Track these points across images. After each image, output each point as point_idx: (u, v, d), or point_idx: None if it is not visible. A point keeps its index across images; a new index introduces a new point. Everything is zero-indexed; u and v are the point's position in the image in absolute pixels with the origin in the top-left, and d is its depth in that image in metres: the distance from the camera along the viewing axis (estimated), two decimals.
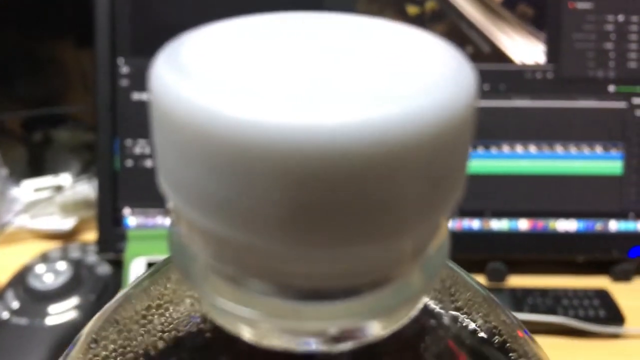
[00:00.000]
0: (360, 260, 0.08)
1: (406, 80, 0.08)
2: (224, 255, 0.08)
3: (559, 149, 0.50)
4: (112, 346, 0.12)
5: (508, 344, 0.13)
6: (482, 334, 0.13)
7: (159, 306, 0.11)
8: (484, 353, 0.12)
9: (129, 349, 0.11)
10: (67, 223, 0.55)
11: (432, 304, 0.11)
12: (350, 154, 0.07)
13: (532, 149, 0.50)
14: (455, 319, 0.12)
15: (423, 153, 0.08)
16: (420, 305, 0.10)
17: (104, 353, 0.12)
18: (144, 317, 0.12)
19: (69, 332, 0.46)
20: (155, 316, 0.11)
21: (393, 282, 0.09)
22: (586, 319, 0.45)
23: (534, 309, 0.46)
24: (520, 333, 0.14)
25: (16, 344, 0.44)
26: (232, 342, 0.09)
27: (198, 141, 0.07)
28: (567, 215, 0.50)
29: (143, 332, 0.11)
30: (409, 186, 0.08)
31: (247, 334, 0.09)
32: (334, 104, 0.07)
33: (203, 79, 0.08)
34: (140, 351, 0.11)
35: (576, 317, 0.45)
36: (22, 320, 0.46)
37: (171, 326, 0.11)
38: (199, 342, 0.10)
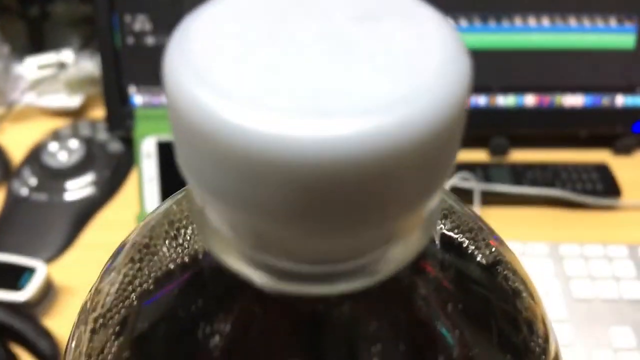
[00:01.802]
0: (359, 241, 0.09)
1: (400, 80, 0.08)
2: (237, 232, 0.09)
3: (572, 21, 0.49)
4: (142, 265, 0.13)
5: (478, 251, 0.13)
6: (452, 241, 0.13)
7: (180, 227, 0.12)
8: (452, 260, 0.13)
9: (155, 268, 0.12)
10: (74, 100, 0.55)
11: None
12: (344, 165, 0.07)
13: (545, 21, 0.49)
14: None
15: (413, 157, 0.08)
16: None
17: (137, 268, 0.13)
18: (170, 238, 0.12)
19: (88, 207, 0.48)
20: (180, 236, 0.12)
21: (394, 243, 0.09)
22: (583, 191, 0.47)
23: (533, 183, 0.48)
24: (492, 242, 0.14)
25: (38, 219, 0.47)
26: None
27: (211, 146, 0.08)
28: (574, 90, 0.50)
29: (169, 251, 0.12)
30: (401, 184, 0.08)
31: (257, 281, 0.09)
32: (332, 115, 0.08)
33: (216, 86, 0.08)
34: (164, 268, 0.12)
35: (574, 190, 0.47)
36: (42, 197, 0.48)
37: (193, 246, 0.12)
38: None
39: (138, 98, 0.51)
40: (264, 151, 0.07)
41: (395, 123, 0.08)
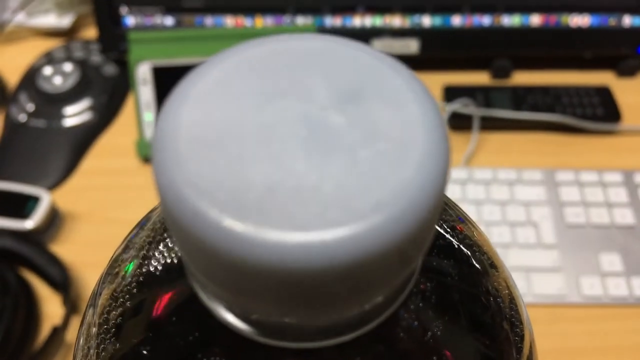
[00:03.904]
0: (345, 315, 0.09)
1: (376, 184, 0.08)
2: (231, 302, 0.10)
3: None
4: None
5: (443, 241, 0.14)
6: None
7: None
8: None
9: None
10: (64, 20, 0.54)
11: None
12: (320, 269, 0.08)
13: None
14: None
15: (389, 257, 0.08)
16: None
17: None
18: None
19: (87, 133, 0.48)
20: None
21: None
22: (584, 116, 0.47)
23: (533, 107, 0.47)
24: (459, 227, 0.14)
25: (38, 145, 0.47)
26: None
27: (205, 249, 0.08)
28: (581, 9, 0.48)
29: None
30: (377, 278, 0.09)
31: (244, 332, 0.10)
32: (307, 227, 0.08)
33: (211, 196, 0.08)
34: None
35: (574, 115, 0.47)
36: (40, 123, 0.48)
37: None
38: None
39: (130, 19, 0.49)
40: (243, 256, 0.08)
41: (366, 235, 0.08)
